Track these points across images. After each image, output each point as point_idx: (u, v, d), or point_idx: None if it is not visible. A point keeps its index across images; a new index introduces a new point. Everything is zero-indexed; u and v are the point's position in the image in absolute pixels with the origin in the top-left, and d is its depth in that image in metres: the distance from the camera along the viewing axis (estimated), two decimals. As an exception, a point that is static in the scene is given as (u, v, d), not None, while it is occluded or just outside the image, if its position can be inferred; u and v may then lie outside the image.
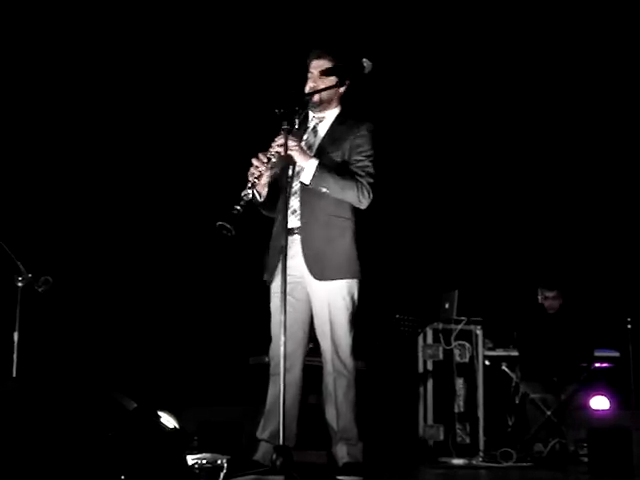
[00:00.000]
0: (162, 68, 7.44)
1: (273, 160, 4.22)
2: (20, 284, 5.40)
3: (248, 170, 4.21)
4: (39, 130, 7.26)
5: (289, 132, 4.16)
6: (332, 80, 4.36)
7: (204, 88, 7.45)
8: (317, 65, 4.41)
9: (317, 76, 4.39)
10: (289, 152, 4.16)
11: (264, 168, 4.21)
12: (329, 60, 4.40)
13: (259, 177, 4.21)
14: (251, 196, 4.19)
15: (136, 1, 7.30)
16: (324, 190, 4.28)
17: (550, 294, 7.00)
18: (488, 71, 7.72)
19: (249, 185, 4.17)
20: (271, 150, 4.20)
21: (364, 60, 4.24)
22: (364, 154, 4.38)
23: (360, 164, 4.37)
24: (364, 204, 4.36)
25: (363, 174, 4.35)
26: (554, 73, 7.71)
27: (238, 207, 4.08)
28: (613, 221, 7.71)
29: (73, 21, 7.21)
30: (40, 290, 5.41)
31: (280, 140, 4.16)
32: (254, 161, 4.21)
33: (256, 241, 4.59)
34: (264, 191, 4.36)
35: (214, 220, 4.03)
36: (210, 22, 7.42)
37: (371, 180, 4.35)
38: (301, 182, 4.30)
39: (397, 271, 7.60)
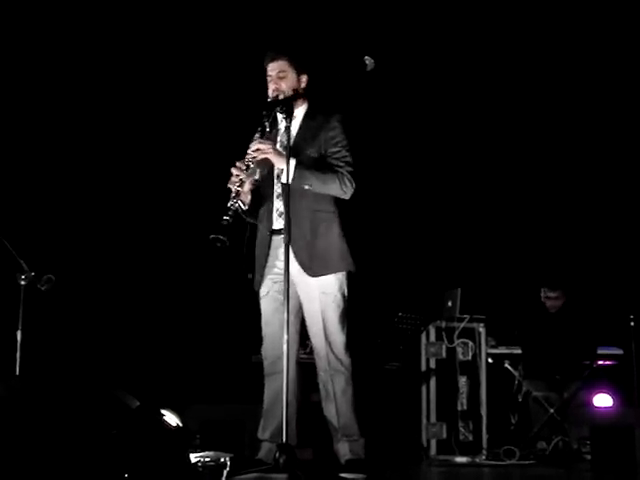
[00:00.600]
0: (158, 73, 7.45)
1: (252, 166, 4.24)
2: (23, 282, 5.41)
3: (229, 181, 4.23)
4: (41, 130, 7.26)
5: (262, 136, 4.23)
6: (294, 79, 4.40)
7: (200, 96, 7.45)
8: (274, 67, 4.41)
9: (276, 78, 4.39)
10: (265, 156, 4.20)
11: (244, 175, 4.22)
12: (285, 60, 4.42)
13: (241, 185, 4.23)
14: (237, 205, 4.22)
15: (126, 6, 7.29)
16: (306, 187, 4.29)
17: (553, 294, 7.00)
18: (491, 70, 7.71)
19: (233, 195, 4.19)
20: (247, 157, 4.22)
21: (366, 58, 4.24)
22: (339, 144, 4.40)
23: (337, 155, 4.38)
24: (348, 194, 4.37)
25: (342, 164, 4.36)
26: (556, 71, 7.70)
27: (227, 218, 4.11)
28: (616, 219, 7.70)
29: (73, 21, 7.21)
30: (43, 288, 5.42)
31: (255, 146, 4.20)
32: (233, 170, 4.22)
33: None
34: (248, 199, 4.37)
35: (207, 230, 4.06)
36: (202, 28, 7.42)
37: (350, 169, 4.37)
38: (282, 183, 4.29)
39: (400, 269, 7.60)
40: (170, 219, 7.38)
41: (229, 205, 4.16)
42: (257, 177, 4.40)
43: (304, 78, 4.45)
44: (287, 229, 4.06)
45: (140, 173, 7.47)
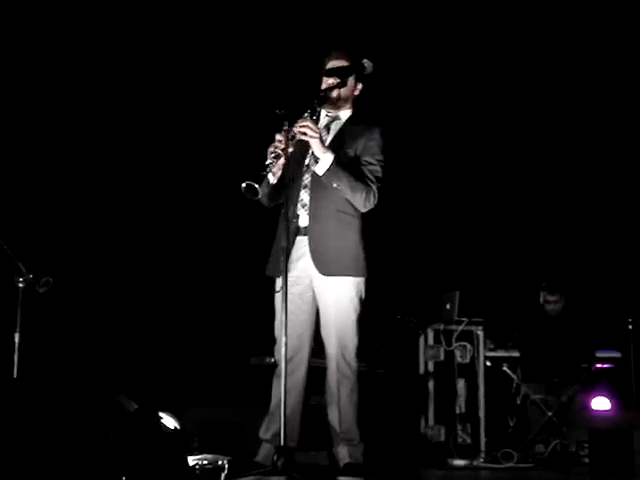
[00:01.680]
0: (166, 66, 7.44)
1: (297, 137, 4.20)
2: (21, 285, 5.40)
3: (270, 146, 4.19)
4: (39, 130, 7.26)
5: (311, 119, 4.20)
6: (351, 83, 4.46)
7: (207, 85, 7.44)
8: (335, 64, 4.46)
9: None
10: (307, 138, 4.19)
11: (288, 143, 4.13)
12: (346, 62, 4.45)
13: (284, 150, 4.13)
14: (275, 166, 4.16)
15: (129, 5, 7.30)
16: (335, 185, 4.28)
17: (552, 298, 7.00)
18: (488, 72, 7.71)
19: (273, 155, 4.14)
20: (294, 129, 4.18)
21: (365, 61, 4.28)
22: (376, 157, 4.42)
23: (370, 167, 4.40)
24: (367, 208, 4.39)
25: (373, 179, 4.38)
26: (556, 73, 7.70)
27: (264, 173, 4.11)
28: (614, 222, 7.71)
29: (73, 21, 7.20)
30: (41, 291, 5.41)
31: (305, 122, 4.18)
32: (278, 136, 4.17)
33: (258, 241, 4.60)
34: (278, 174, 4.27)
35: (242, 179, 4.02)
36: (217, 21, 7.42)
37: (379, 185, 4.40)
38: (314, 173, 4.30)
39: (398, 272, 7.59)
40: (167, 223, 7.37)
41: (267, 162, 4.12)
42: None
43: (359, 86, 4.51)
44: (286, 232, 4.07)
45: (138, 176, 7.47)
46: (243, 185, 4.00)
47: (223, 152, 7.16)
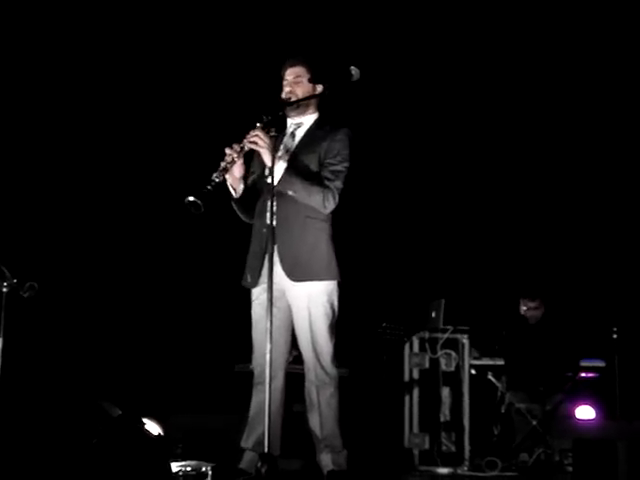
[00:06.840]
0: (151, 67, 7.44)
1: (245, 149, 4.26)
2: (5, 289, 5.37)
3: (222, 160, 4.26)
4: (23, 135, 7.23)
5: (263, 129, 4.22)
6: (309, 86, 4.46)
7: (188, 85, 7.44)
8: (292, 73, 4.49)
9: (292, 82, 4.46)
10: (258, 148, 4.22)
11: (236, 155, 4.24)
12: (303, 67, 4.48)
13: (231, 163, 4.23)
14: (221, 180, 4.20)
15: (123, 5, 7.29)
16: (290, 193, 4.30)
17: (532, 304, 7.01)
18: (477, 78, 7.73)
19: (220, 169, 4.20)
20: (244, 141, 4.25)
21: (352, 68, 4.27)
22: (339, 158, 4.42)
23: (332, 167, 4.41)
24: (328, 209, 4.39)
25: (333, 178, 4.38)
26: (528, 80, 7.72)
27: (208, 187, 4.11)
28: (598, 230, 7.72)
29: (73, 21, 7.19)
30: (25, 296, 5.39)
31: (254, 133, 4.22)
32: (227, 150, 4.25)
33: (239, 246, 4.60)
34: (239, 187, 4.39)
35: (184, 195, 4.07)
36: (201, 25, 7.42)
37: (340, 185, 4.39)
38: (268, 183, 4.31)
39: (384, 279, 7.60)
40: (152, 228, 7.35)
41: (213, 177, 4.16)
42: (254, 178, 4.43)
43: (319, 88, 4.49)
44: (271, 238, 4.07)
45: (122, 184, 7.45)
46: (185, 201, 4.04)
47: (211, 159, 7.14)
